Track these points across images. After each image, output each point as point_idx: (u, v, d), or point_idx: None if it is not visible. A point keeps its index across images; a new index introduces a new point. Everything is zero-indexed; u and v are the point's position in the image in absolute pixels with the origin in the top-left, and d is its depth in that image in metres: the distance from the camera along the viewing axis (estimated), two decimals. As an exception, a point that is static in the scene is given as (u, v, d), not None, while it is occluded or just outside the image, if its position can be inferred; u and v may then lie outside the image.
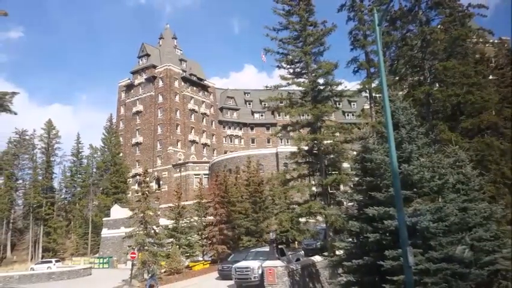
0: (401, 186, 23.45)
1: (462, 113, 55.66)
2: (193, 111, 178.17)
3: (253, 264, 44.33)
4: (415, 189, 27.50)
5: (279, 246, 49.55)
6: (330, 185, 43.03)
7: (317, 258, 45.31)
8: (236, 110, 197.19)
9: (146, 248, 60.86)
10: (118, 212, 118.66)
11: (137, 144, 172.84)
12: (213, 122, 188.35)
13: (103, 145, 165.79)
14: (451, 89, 53.38)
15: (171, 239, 71.40)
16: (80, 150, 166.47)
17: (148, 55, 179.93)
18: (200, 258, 74.57)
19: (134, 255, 60.47)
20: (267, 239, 67.12)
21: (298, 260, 50.24)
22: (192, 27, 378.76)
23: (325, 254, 41.18)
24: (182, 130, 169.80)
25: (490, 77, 69.38)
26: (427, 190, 27.95)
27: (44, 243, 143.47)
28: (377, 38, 25.30)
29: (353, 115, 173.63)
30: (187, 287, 51.66)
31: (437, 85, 58.39)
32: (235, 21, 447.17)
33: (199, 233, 74.65)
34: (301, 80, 45.18)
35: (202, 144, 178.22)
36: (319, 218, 45.12)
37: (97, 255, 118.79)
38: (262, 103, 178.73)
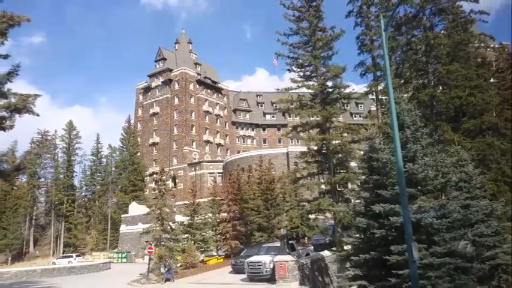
0: (406, 184, 23.57)
1: (464, 115, 55.73)
2: (207, 112, 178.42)
3: (265, 258, 44.48)
4: (419, 187, 27.59)
5: (290, 242, 49.72)
6: (338, 183, 43.14)
7: (326, 253, 45.32)
8: (248, 111, 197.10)
9: (163, 243, 60.82)
10: (136, 209, 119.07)
11: (154, 144, 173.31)
12: (227, 123, 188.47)
13: (121, 145, 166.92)
14: (454, 91, 53.50)
15: (187, 235, 71.25)
16: (100, 150, 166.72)
17: (164, 59, 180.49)
18: (214, 253, 74.44)
19: (151, 250, 60.50)
20: (278, 235, 67.36)
21: (307, 254, 50.48)
22: (207, 33, 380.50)
23: (334, 249, 41.13)
24: (197, 131, 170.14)
25: (491, 80, 69.40)
26: (431, 188, 28.04)
27: (65, 238, 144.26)
28: (383, 42, 25.41)
29: (360, 116, 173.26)
30: (202, 280, 51.73)
31: (440, 88, 58.53)
32: (248, 27, 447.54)
33: (214, 229, 74.59)
34: (311, 82, 45.26)
35: (216, 144, 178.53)
36: (328, 214, 45.06)
37: (116, 250, 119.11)
38: (274, 105, 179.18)
